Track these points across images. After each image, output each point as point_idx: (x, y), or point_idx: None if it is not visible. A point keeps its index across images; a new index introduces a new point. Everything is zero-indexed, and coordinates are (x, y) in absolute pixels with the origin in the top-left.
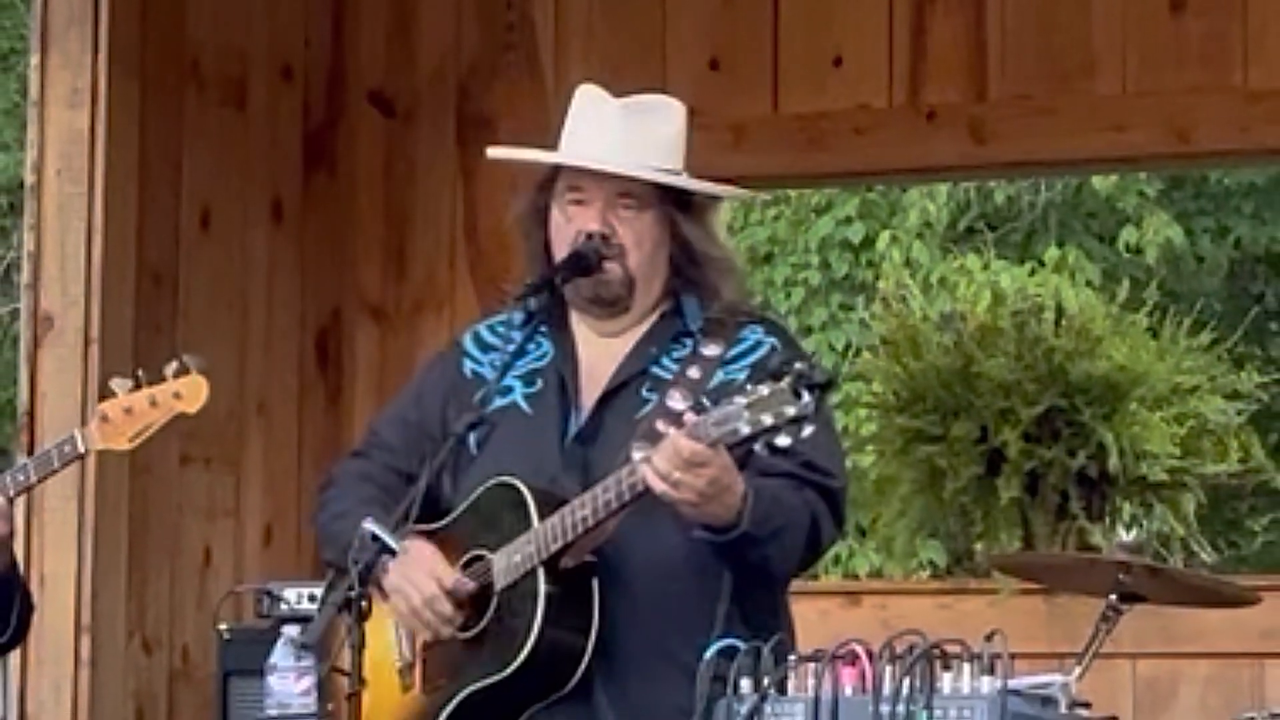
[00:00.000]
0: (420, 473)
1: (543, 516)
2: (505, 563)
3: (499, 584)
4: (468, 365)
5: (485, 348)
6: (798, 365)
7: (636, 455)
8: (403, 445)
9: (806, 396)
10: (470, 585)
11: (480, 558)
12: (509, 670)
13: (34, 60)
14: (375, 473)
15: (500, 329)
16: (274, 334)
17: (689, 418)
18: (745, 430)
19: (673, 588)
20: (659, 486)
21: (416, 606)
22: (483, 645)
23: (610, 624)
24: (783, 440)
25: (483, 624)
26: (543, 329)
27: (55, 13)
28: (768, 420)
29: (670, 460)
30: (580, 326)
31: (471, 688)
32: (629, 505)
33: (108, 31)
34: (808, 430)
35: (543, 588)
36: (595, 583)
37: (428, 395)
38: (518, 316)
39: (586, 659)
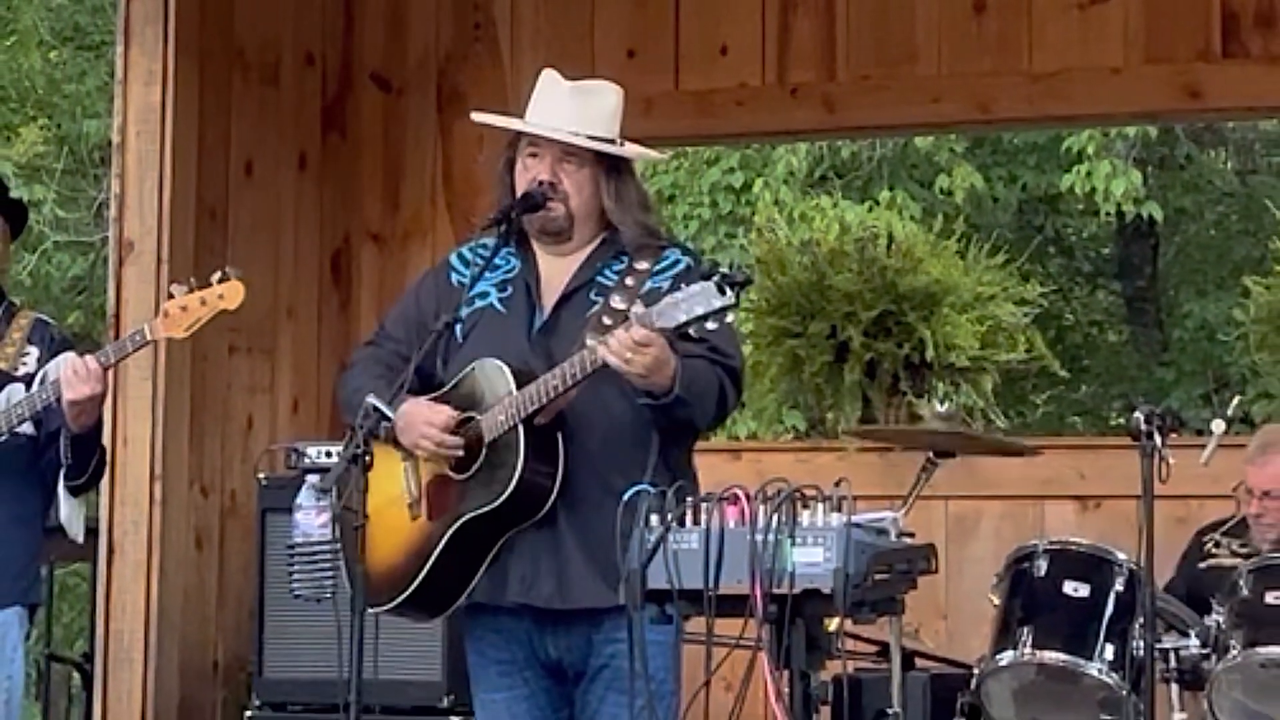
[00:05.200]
0: (412, 357)
1: (520, 387)
2: (492, 421)
3: (488, 437)
4: (454, 276)
5: (467, 263)
6: (722, 269)
7: (591, 341)
8: (405, 336)
9: (729, 291)
10: (455, 414)
11: (471, 419)
12: (499, 501)
13: (119, 49)
14: (385, 357)
15: (480, 250)
16: (299, 255)
17: (637, 310)
18: (682, 318)
19: (617, 442)
20: (615, 363)
21: (423, 436)
22: (476, 483)
23: (571, 468)
24: (711, 325)
25: (475, 468)
26: (512, 250)
27: (135, 13)
28: (699, 310)
29: (624, 342)
30: (538, 249)
31: (470, 514)
32: (589, 376)
33: (175, 28)
34: (730, 318)
35: (523, 439)
36: (560, 437)
37: (424, 298)
38: (491, 241)
39: (554, 495)
